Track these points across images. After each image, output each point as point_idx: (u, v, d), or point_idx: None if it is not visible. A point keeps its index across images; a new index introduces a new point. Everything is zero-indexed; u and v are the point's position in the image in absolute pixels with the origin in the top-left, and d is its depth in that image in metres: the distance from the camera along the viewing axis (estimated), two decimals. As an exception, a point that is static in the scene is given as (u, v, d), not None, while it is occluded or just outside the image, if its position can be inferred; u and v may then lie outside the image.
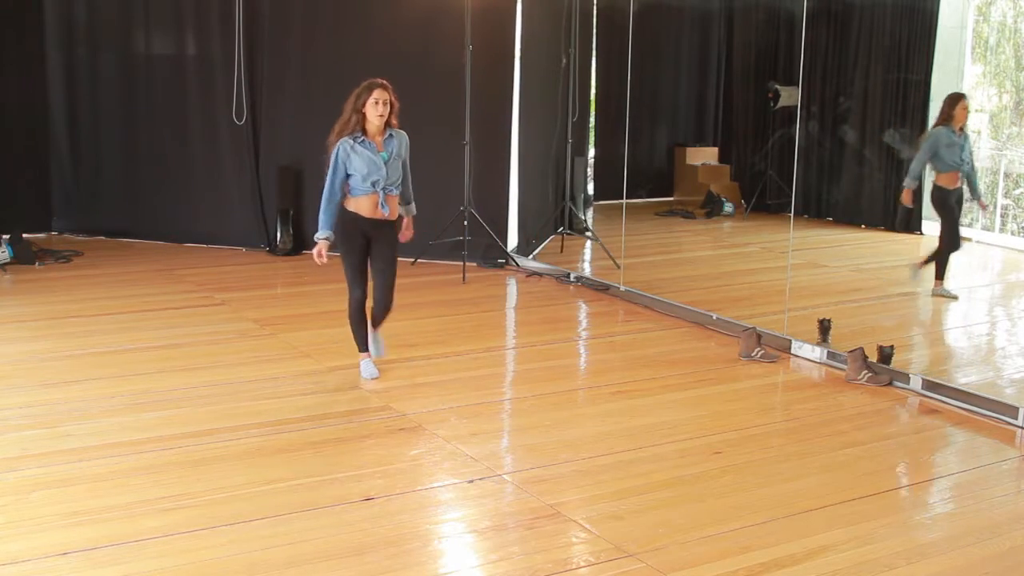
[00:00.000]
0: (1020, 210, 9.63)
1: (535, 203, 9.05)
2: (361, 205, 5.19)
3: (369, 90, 5.11)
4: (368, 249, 5.30)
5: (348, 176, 5.16)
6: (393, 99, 5.17)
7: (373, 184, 5.13)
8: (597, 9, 9.97)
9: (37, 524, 3.74)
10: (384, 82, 5.16)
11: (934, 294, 7.41)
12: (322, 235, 5.17)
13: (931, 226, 9.80)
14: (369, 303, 5.42)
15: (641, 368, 5.86)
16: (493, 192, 8.48)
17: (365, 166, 5.12)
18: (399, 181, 5.27)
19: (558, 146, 9.16)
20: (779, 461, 4.53)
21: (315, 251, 5.22)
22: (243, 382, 5.40)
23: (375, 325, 5.51)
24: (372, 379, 5.41)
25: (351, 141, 5.13)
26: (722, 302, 7.12)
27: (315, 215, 8.61)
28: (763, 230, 10.30)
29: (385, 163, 5.16)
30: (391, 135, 5.22)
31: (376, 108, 5.09)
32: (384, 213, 5.22)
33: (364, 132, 5.15)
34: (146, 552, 3.54)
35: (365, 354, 5.49)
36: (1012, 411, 5.04)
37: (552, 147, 9.19)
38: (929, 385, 5.43)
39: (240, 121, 8.71)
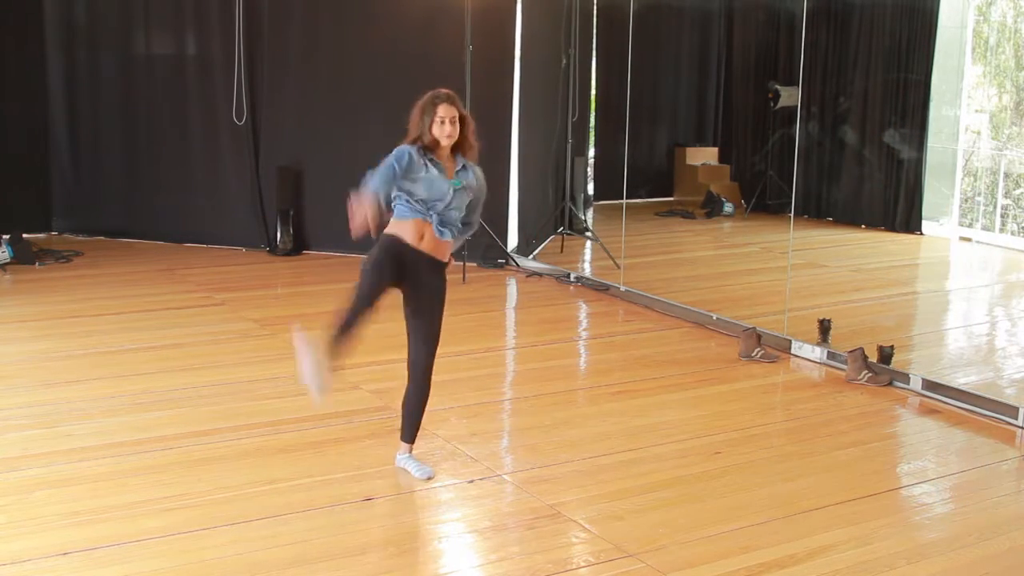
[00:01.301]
0: (1020, 210, 9.64)
1: (535, 203, 9.05)
2: (404, 228, 4.07)
3: (433, 106, 4.07)
4: (395, 282, 4.08)
5: (397, 194, 4.05)
6: (464, 113, 4.17)
7: (429, 208, 4.06)
8: (597, 9, 9.97)
9: (38, 524, 3.74)
10: (450, 92, 4.16)
11: None
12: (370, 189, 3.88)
13: (931, 226, 9.85)
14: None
15: (641, 368, 5.86)
16: (493, 192, 8.43)
17: (425, 188, 4.04)
18: (458, 221, 4.19)
19: (558, 146, 9.16)
20: (779, 461, 4.53)
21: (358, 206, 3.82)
22: (243, 382, 5.40)
23: (408, 436, 4.32)
24: (425, 477, 4.24)
25: (418, 152, 4.06)
26: (722, 302, 7.13)
27: (315, 215, 8.80)
28: (763, 230, 10.30)
29: (454, 191, 4.09)
30: (464, 167, 4.19)
31: (443, 129, 4.05)
32: (439, 239, 4.09)
33: (435, 152, 4.10)
34: (147, 552, 3.54)
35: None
36: (1012, 411, 5.04)
37: (552, 147, 9.19)
38: (929, 385, 5.44)
39: (240, 121, 8.71)
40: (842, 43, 10.23)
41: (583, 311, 7.33)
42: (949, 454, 4.74)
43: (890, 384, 5.57)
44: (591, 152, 10.52)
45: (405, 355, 4.33)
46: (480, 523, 3.91)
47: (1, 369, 5.56)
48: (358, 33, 8.47)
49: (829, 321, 6.16)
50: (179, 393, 5.21)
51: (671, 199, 11.42)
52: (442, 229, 4.09)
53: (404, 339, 4.58)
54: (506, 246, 8.55)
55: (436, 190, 4.05)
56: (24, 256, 8.05)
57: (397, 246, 4.06)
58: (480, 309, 7.19)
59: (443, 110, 4.06)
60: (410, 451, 4.33)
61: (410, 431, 4.31)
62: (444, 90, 4.16)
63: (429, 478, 4.23)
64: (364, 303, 3.97)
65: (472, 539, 3.82)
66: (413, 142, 4.07)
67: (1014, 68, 9.57)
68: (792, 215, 7.21)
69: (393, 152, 4.03)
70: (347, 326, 3.94)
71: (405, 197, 4.06)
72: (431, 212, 4.06)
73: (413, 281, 4.08)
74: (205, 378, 5.45)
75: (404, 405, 4.30)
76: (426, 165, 4.05)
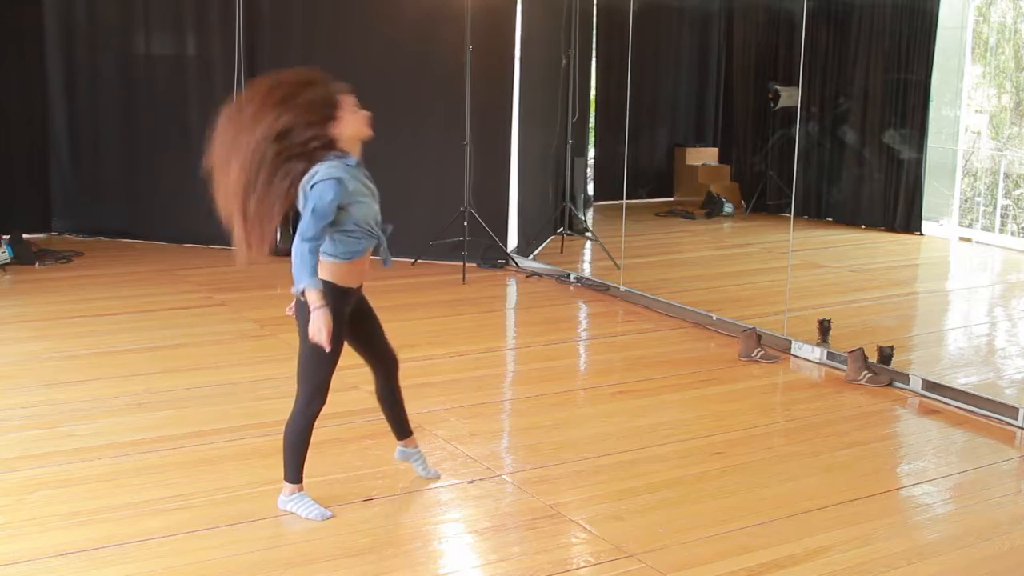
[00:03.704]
0: (1020, 210, 9.64)
1: (535, 203, 9.06)
2: (351, 272, 3.64)
3: (337, 94, 3.59)
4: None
5: (331, 224, 3.51)
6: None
7: (376, 226, 3.63)
8: (597, 9, 9.97)
9: (38, 524, 3.74)
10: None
11: None
12: (314, 285, 3.48)
13: (931, 227, 9.85)
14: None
15: (641, 368, 5.87)
16: (493, 192, 8.48)
17: (367, 205, 3.55)
18: None
19: (558, 146, 9.16)
20: (779, 461, 4.53)
21: (318, 327, 3.48)
22: (244, 382, 5.40)
23: (406, 430, 4.15)
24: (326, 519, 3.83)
25: (343, 165, 3.49)
26: (722, 302, 7.13)
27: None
28: (763, 230, 10.31)
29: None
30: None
31: (366, 117, 3.61)
32: (385, 264, 3.78)
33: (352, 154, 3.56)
34: (147, 552, 3.54)
35: (299, 486, 3.87)
36: (1012, 411, 5.04)
37: (552, 147, 9.19)
38: (929, 385, 5.44)
39: (240, 121, 8.70)
40: (842, 43, 10.23)
41: (583, 311, 7.33)
42: (949, 454, 4.74)
43: (890, 384, 5.57)
44: (591, 152, 10.52)
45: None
46: (480, 523, 3.91)
47: (1, 369, 5.56)
48: (358, 33, 8.47)
49: (829, 321, 6.16)
50: (179, 393, 5.21)
51: (671, 199, 11.42)
52: (389, 250, 3.69)
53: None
54: (506, 246, 8.55)
55: (372, 203, 3.56)
56: (24, 256, 8.05)
57: (343, 298, 3.64)
58: (480, 309, 7.19)
59: (352, 99, 3.57)
60: (415, 444, 4.21)
61: (406, 425, 4.17)
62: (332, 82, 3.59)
63: (437, 477, 4.22)
64: (329, 381, 3.76)
65: (472, 539, 3.82)
66: (325, 147, 3.47)
67: (1014, 68, 9.57)
68: (792, 215, 7.21)
69: (326, 183, 3.42)
70: (309, 429, 3.81)
71: (348, 223, 3.54)
72: (380, 233, 3.62)
73: (356, 314, 3.79)
74: (205, 378, 5.45)
75: (392, 402, 4.08)
76: (357, 175, 3.52)
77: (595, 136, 10.60)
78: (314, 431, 3.90)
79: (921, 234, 9.83)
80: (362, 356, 4.03)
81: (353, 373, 5.51)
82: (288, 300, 3.76)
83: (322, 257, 3.59)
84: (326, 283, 3.56)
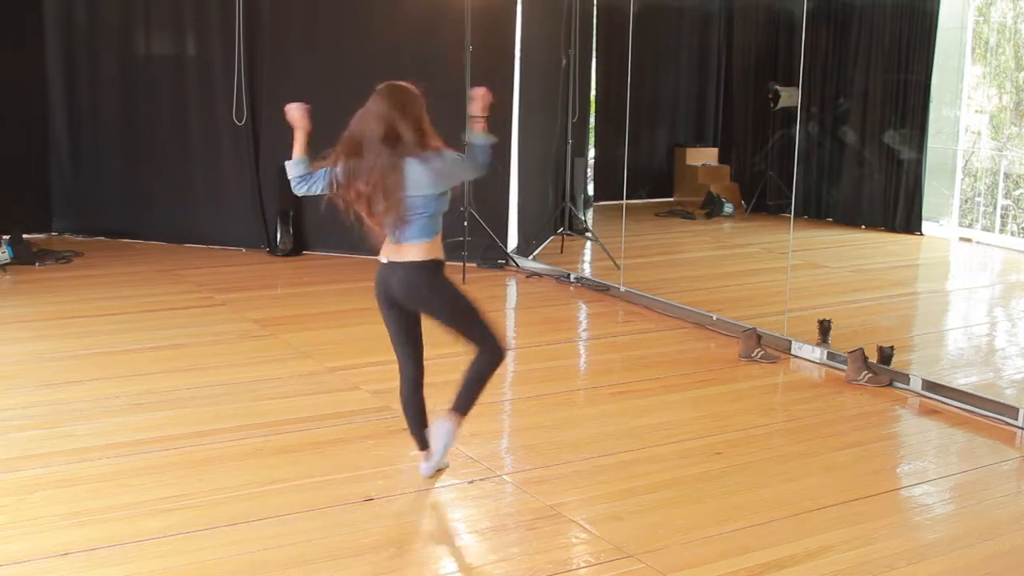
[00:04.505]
0: (1020, 210, 9.64)
1: (535, 203, 9.06)
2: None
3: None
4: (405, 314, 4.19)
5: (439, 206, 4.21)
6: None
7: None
8: (597, 9, 9.97)
9: (38, 524, 3.74)
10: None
11: None
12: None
13: (931, 227, 9.85)
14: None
15: (641, 369, 5.87)
16: (493, 192, 8.47)
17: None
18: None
19: (558, 147, 9.16)
20: (779, 462, 4.53)
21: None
22: (244, 382, 5.40)
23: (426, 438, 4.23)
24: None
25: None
26: (722, 303, 7.13)
27: (315, 216, 8.77)
28: (763, 231, 10.31)
29: None
30: None
31: None
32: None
33: None
34: (147, 552, 3.54)
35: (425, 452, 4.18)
36: (1012, 412, 5.04)
37: (552, 148, 9.19)
38: (929, 386, 5.43)
39: (240, 122, 8.71)
40: (842, 43, 10.23)
41: (583, 311, 7.33)
42: (949, 455, 4.74)
43: (890, 385, 5.57)
44: (591, 153, 10.52)
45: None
46: (480, 523, 3.91)
47: (1, 369, 5.57)
48: (358, 33, 8.47)
49: (829, 321, 6.16)
50: (179, 393, 5.21)
51: (671, 200, 11.41)
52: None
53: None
54: (506, 246, 8.55)
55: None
56: (24, 256, 8.05)
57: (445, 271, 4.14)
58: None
59: None
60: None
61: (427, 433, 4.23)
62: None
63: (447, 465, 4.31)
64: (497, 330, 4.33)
65: (472, 539, 3.82)
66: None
67: (1014, 68, 9.58)
68: (792, 215, 7.21)
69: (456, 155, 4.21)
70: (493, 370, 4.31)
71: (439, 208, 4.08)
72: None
73: (414, 311, 4.28)
74: (205, 378, 5.45)
75: (417, 410, 4.25)
76: None
77: (595, 136, 10.60)
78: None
79: (921, 234, 9.83)
80: (399, 351, 4.25)
81: (354, 373, 5.53)
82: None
83: (432, 238, 4.02)
84: (436, 261, 4.02)
